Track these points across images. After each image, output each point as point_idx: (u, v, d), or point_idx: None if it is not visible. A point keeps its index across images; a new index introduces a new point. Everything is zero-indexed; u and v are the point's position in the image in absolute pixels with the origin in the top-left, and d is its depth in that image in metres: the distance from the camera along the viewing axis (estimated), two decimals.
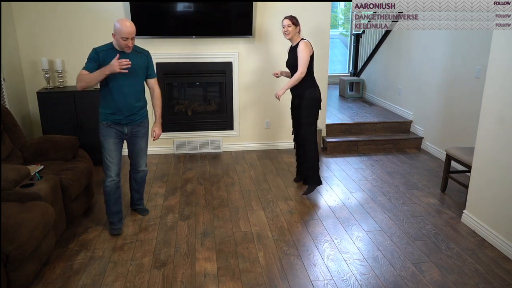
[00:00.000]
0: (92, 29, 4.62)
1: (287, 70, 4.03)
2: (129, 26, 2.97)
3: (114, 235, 3.28)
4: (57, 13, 4.56)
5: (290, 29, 3.76)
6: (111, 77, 3.03)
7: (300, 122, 3.94)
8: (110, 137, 3.19)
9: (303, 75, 3.73)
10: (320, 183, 4.04)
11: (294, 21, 3.75)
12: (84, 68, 3.02)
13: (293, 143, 4.26)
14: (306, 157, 3.99)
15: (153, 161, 4.92)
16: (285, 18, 3.80)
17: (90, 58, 3.05)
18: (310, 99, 3.83)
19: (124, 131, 3.22)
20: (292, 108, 4.10)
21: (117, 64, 2.90)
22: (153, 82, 3.35)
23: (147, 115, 3.37)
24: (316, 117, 3.93)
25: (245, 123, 5.28)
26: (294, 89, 3.92)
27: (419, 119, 5.54)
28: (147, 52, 3.27)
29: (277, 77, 4.09)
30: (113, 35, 3.02)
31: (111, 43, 3.10)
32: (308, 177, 4.04)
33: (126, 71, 2.95)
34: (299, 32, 3.82)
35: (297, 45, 3.78)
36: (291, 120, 4.17)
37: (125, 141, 3.33)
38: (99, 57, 3.02)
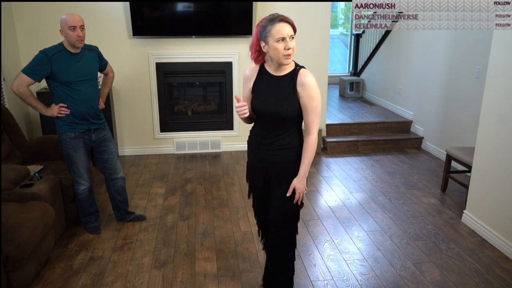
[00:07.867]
0: (92, 29, 4.56)
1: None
2: (75, 14, 2.81)
3: (94, 235, 3.24)
4: (57, 13, 4.55)
5: (294, 45, 1.98)
6: (66, 80, 2.82)
7: (277, 205, 2.19)
8: (79, 148, 2.98)
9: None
10: None
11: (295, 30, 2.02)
12: (29, 74, 2.74)
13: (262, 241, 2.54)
14: (282, 264, 2.37)
15: (153, 161, 4.92)
16: (287, 22, 1.98)
17: (38, 63, 2.73)
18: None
19: (92, 138, 3.03)
20: (256, 180, 2.29)
21: (56, 109, 2.85)
22: (108, 68, 3.23)
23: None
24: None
25: (245, 123, 5.26)
26: (271, 146, 2.23)
27: (419, 119, 5.54)
28: (97, 47, 3.08)
29: (240, 111, 2.20)
30: (61, 31, 2.78)
31: (61, 44, 2.86)
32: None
33: (63, 114, 2.86)
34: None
35: (290, 75, 2.06)
36: (253, 207, 2.44)
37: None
38: (50, 62, 2.75)
